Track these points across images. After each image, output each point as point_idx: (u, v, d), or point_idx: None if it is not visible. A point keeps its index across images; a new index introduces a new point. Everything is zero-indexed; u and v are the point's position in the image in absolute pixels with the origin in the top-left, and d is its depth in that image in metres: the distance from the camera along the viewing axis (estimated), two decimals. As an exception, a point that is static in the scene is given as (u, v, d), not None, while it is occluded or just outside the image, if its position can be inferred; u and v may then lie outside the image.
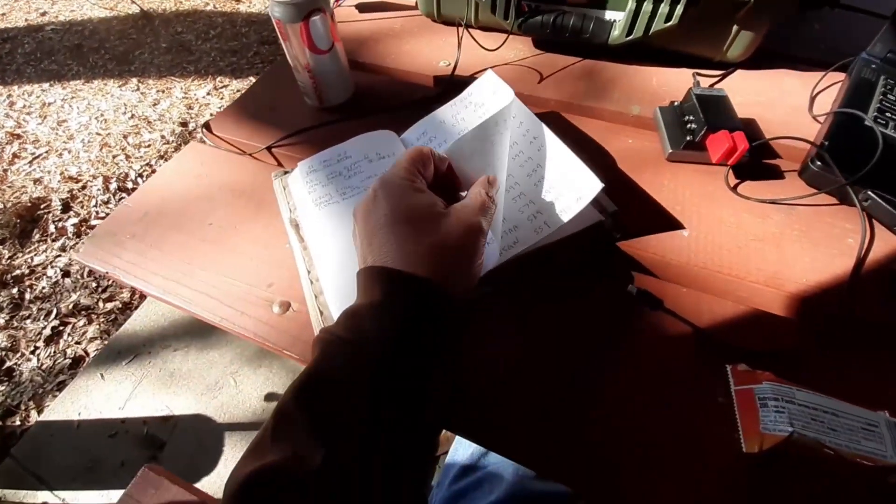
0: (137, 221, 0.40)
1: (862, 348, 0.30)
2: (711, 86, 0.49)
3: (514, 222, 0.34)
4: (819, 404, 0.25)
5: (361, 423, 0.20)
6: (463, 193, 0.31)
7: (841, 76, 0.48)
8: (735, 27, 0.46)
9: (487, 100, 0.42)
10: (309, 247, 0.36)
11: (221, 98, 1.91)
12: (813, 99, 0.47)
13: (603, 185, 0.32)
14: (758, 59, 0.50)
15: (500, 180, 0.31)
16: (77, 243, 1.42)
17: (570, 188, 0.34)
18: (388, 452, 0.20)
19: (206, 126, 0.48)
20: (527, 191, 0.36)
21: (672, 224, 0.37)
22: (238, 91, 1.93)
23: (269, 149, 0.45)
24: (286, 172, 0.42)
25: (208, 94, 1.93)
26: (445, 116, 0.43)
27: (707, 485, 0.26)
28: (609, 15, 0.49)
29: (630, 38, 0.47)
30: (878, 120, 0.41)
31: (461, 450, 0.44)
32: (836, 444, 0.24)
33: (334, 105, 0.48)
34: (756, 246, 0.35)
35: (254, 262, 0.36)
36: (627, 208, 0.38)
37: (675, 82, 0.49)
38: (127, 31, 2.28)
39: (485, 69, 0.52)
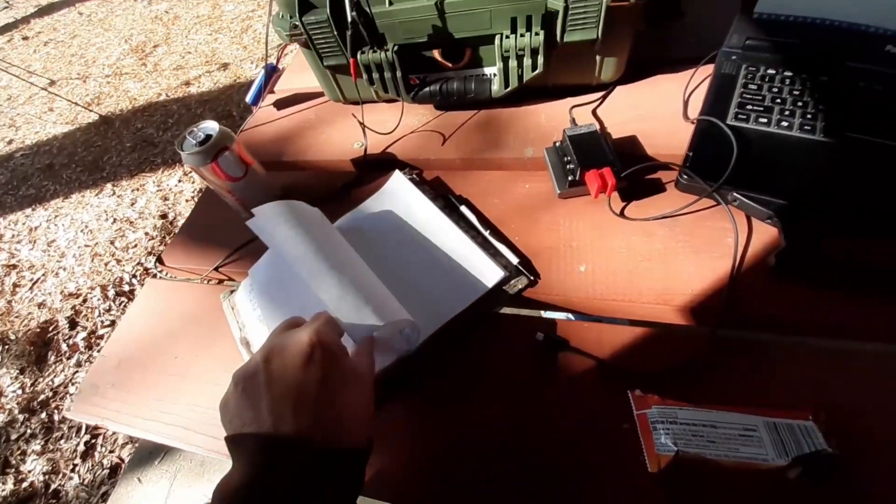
0: (114, 370, 0.45)
1: (750, 345, 0.34)
2: (594, 110, 0.53)
3: (427, 310, 0.39)
4: (698, 419, 0.29)
5: None
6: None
7: (711, 67, 0.51)
8: (598, 56, 0.50)
9: (396, 193, 0.48)
10: (260, 363, 0.40)
11: (193, 182, 1.98)
12: (686, 102, 0.50)
13: (505, 273, 0.36)
14: (635, 71, 0.54)
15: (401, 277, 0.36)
16: (90, 355, 1.49)
17: (475, 276, 0.40)
18: None
19: (160, 260, 0.53)
20: (434, 277, 0.41)
21: (570, 262, 0.41)
22: (206, 171, 2.00)
23: (216, 269, 0.50)
24: (232, 292, 0.47)
25: (179, 181, 2.00)
26: (362, 214, 0.49)
27: (622, 505, 0.29)
28: (487, 70, 0.53)
29: (509, 89, 0.52)
30: (740, 115, 0.45)
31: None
32: (716, 454, 0.28)
33: (266, 214, 0.53)
34: (645, 266, 0.39)
35: (218, 387, 0.40)
36: (532, 255, 0.42)
37: (561, 115, 0.53)
38: (91, 140, 2.38)
39: (394, 142, 0.57)
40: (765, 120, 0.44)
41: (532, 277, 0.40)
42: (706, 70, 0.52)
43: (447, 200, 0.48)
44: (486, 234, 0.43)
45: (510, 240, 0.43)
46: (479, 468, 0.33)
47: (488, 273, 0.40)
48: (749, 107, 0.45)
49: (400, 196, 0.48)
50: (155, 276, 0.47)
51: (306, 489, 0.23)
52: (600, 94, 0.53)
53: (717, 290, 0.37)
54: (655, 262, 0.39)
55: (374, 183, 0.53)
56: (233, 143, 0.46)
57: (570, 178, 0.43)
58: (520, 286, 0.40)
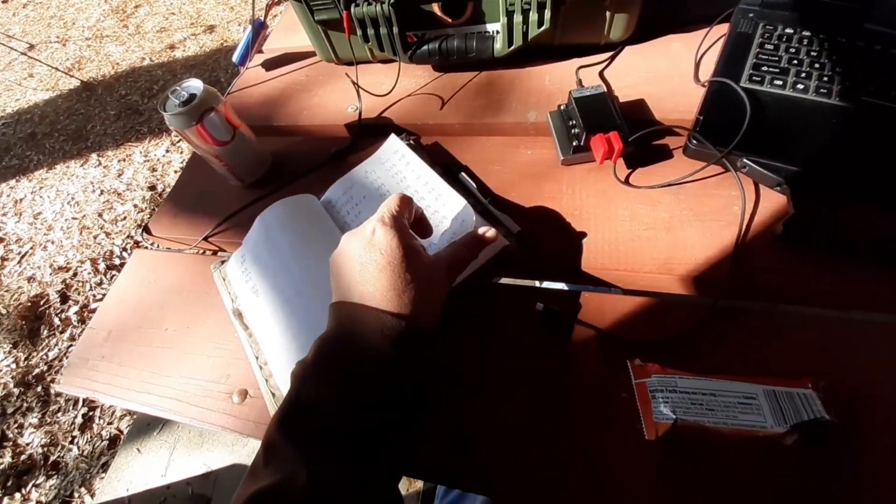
0: (104, 343, 0.44)
1: (753, 314, 0.33)
2: (601, 72, 0.50)
3: None
4: (698, 388, 0.29)
5: (336, 444, 0.25)
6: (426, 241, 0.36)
7: (726, 27, 0.49)
8: (608, 13, 0.47)
9: (390, 157, 0.45)
10: (254, 333, 0.39)
11: (181, 152, 1.92)
12: (698, 64, 0.48)
13: (505, 242, 0.36)
14: (645, 31, 0.51)
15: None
16: (83, 329, 1.48)
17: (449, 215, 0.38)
18: (362, 466, 0.25)
19: (146, 230, 0.51)
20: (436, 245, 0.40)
21: (572, 231, 0.39)
22: (195, 141, 1.94)
23: (205, 239, 0.49)
24: (223, 262, 0.45)
25: (167, 151, 1.94)
26: (360, 176, 0.46)
27: (621, 473, 0.29)
28: (490, 27, 0.50)
29: (512, 48, 0.49)
30: (754, 77, 0.43)
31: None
32: (714, 422, 0.28)
33: (255, 180, 0.51)
34: (649, 235, 0.38)
35: (210, 359, 0.40)
36: (533, 224, 0.41)
37: (566, 77, 0.51)
38: (74, 107, 2.28)
39: (390, 105, 0.54)
40: (780, 82, 0.42)
41: (533, 246, 0.39)
42: (720, 30, 0.49)
43: (446, 167, 0.46)
44: (486, 202, 0.42)
45: (511, 208, 0.42)
46: (476, 432, 0.32)
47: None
48: (764, 68, 0.43)
49: (395, 161, 0.46)
50: (142, 246, 0.45)
51: (379, 337, 0.27)
52: (608, 54, 0.51)
53: (721, 260, 0.36)
54: (660, 230, 0.38)
55: (369, 149, 0.50)
56: (219, 104, 0.44)
57: (574, 144, 0.41)
58: (520, 255, 0.38)
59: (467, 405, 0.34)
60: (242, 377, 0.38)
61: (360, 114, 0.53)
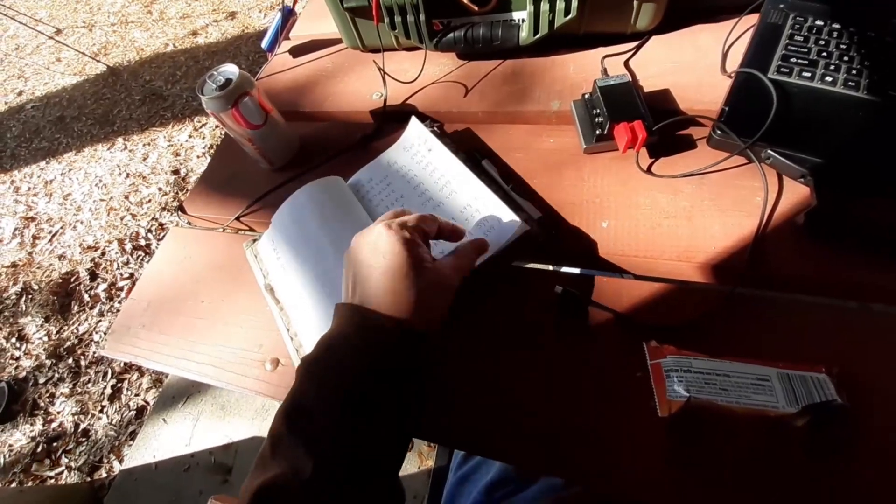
0: (144, 312, 0.47)
1: (769, 303, 0.34)
2: (626, 61, 0.50)
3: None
4: (712, 369, 0.30)
5: (335, 441, 0.26)
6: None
7: (756, 18, 0.48)
8: (635, 1, 0.47)
9: (413, 143, 0.46)
10: (285, 307, 0.42)
11: (203, 137, 1.97)
12: (725, 55, 0.48)
13: (519, 221, 0.36)
14: (671, 21, 0.51)
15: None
16: (111, 306, 1.54)
17: (496, 228, 0.39)
18: (365, 459, 0.26)
19: (181, 208, 0.54)
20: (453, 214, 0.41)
21: (592, 218, 0.40)
22: (216, 126, 1.98)
23: (237, 219, 0.51)
24: (255, 241, 0.48)
25: (190, 136, 1.99)
26: (384, 164, 0.48)
27: (634, 447, 0.31)
28: (516, 16, 0.51)
29: (538, 36, 0.49)
30: (783, 69, 0.43)
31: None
32: (727, 401, 0.29)
33: (284, 164, 0.53)
34: (669, 223, 0.39)
35: (243, 329, 0.42)
36: (552, 211, 0.42)
37: (591, 66, 0.51)
38: (100, 92, 2.34)
39: (414, 93, 0.55)
40: (808, 74, 0.42)
41: (554, 232, 0.40)
42: (748, 21, 0.49)
43: (469, 154, 0.47)
44: (508, 188, 0.43)
45: (532, 195, 0.43)
46: (497, 405, 0.34)
47: (510, 226, 0.40)
48: (793, 59, 0.43)
49: (418, 148, 0.47)
50: (179, 225, 0.47)
51: (374, 339, 0.29)
52: (634, 44, 0.51)
53: (741, 249, 0.36)
54: (680, 219, 0.39)
55: (394, 135, 0.51)
56: (253, 89, 0.45)
57: (597, 132, 0.42)
58: (541, 240, 0.40)
59: (483, 379, 0.35)
60: (274, 347, 0.41)
61: (384, 100, 0.54)
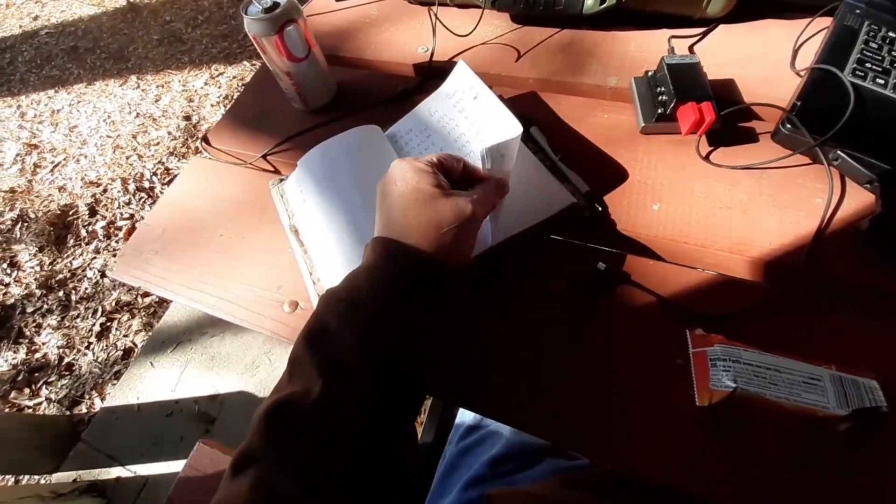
0: (157, 238, 0.44)
1: (824, 306, 0.33)
2: (691, 46, 0.48)
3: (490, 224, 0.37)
4: (763, 362, 0.28)
5: (352, 364, 0.25)
6: None
7: (828, 21, 0.46)
8: (713, -18, 0.45)
9: (458, 88, 0.43)
10: (309, 250, 0.40)
11: (219, 87, 1.91)
12: (796, 52, 0.46)
13: (573, 199, 0.34)
14: (742, 11, 0.48)
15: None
16: (108, 244, 1.51)
17: (540, 195, 0.37)
18: (375, 389, 0.26)
19: (205, 139, 0.51)
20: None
21: (643, 199, 0.39)
22: (234, 77, 1.93)
23: (264, 157, 0.48)
24: (282, 180, 0.45)
25: (206, 84, 1.93)
26: (424, 113, 0.45)
27: (667, 434, 0.30)
28: (582, -18, 0.48)
29: (604, 5, 0.47)
30: (857, 72, 0.41)
31: (467, 412, 0.49)
32: (776, 396, 0.27)
33: (320, 106, 0.50)
34: (723, 214, 0.37)
35: (263, 268, 0.40)
36: (602, 187, 0.40)
37: (654, 46, 0.49)
38: (118, 27, 2.27)
39: (463, 51, 0.53)
40: (882, 81, 0.40)
41: (601, 208, 0.38)
42: (820, 23, 0.47)
43: (517, 118, 0.45)
44: (556, 158, 0.41)
45: (581, 168, 0.41)
46: (530, 382, 0.33)
47: (557, 196, 0.38)
48: (868, 64, 0.41)
49: (462, 94, 0.43)
50: (201, 156, 0.45)
51: (391, 263, 0.28)
52: (700, 29, 0.48)
53: (797, 249, 0.35)
54: (735, 210, 0.37)
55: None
56: (300, 18, 0.43)
57: (659, 111, 0.40)
58: (587, 215, 0.38)
59: (516, 351, 0.34)
60: (294, 289, 0.39)
61: (431, 54, 0.51)
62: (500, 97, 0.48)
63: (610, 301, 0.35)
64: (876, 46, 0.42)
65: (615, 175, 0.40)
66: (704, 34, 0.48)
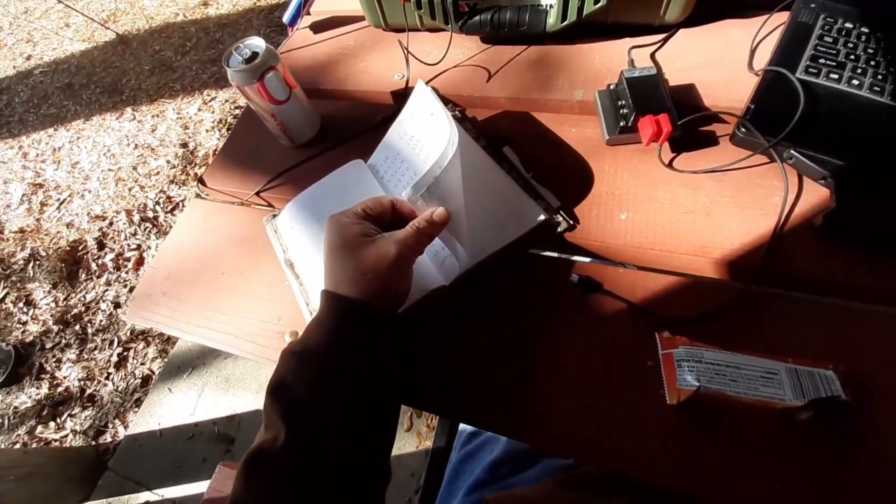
0: (164, 280, 0.47)
1: (782, 301, 0.35)
2: (652, 54, 0.50)
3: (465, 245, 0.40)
4: (723, 360, 0.31)
5: (310, 410, 0.28)
6: None
7: (786, 15, 0.48)
8: (666, -7, 0.47)
9: (417, 109, 0.45)
10: (304, 282, 0.43)
11: (212, 112, 1.95)
12: (753, 52, 0.47)
13: (546, 215, 0.36)
14: (701, 15, 0.50)
15: (455, 208, 0.36)
16: (118, 276, 1.56)
17: (514, 213, 0.39)
18: (337, 430, 0.28)
19: (201, 181, 0.54)
20: (473, 208, 0.41)
21: (611, 210, 0.41)
22: (226, 101, 1.97)
23: (257, 194, 0.51)
24: (275, 216, 0.48)
25: (199, 110, 1.97)
26: (395, 138, 0.48)
27: (641, 431, 0.32)
28: (544, 2, 0.50)
29: (565, 23, 0.49)
30: (811, 69, 0.42)
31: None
32: (736, 392, 0.30)
33: (305, 142, 0.53)
34: (687, 218, 0.39)
35: (263, 302, 0.43)
36: (573, 200, 0.42)
37: (616, 56, 0.51)
38: (109, 60, 2.32)
39: (436, 76, 0.55)
40: (836, 76, 0.42)
41: (572, 222, 0.41)
42: (778, 19, 0.48)
43: (491, 140, 0.47)
44: (528, 176, 0.43)
45: (552, 184, 0.43)
46: (507, 386, 0.35)
47: (529, 213, 0.40)
48: (822, 60, 0.43)
49: (422, 114, 0.44)
50: (200, 196, 0.48)
51: (329, 315, 0.31)
52: (661, 36, 0.50)
53: (757, 247, 0.37)
54: (698, 214, 0.39)
55: (416, 117, 0.52)
56: (278, 64, 0.45)
57: (621, 124, 0.42)
58: (559, 229, 0.40)
59: (494, 362, 0.36)
60: (293, 319, 0.42)
61: (406, 81, 0.54)
62: (473, 118, 0.51)
63: (584, 310, 0.37)
64: (831, 40, 0.44)
65: (585, 188, 0.43)
66: (664, 41, 0.50)
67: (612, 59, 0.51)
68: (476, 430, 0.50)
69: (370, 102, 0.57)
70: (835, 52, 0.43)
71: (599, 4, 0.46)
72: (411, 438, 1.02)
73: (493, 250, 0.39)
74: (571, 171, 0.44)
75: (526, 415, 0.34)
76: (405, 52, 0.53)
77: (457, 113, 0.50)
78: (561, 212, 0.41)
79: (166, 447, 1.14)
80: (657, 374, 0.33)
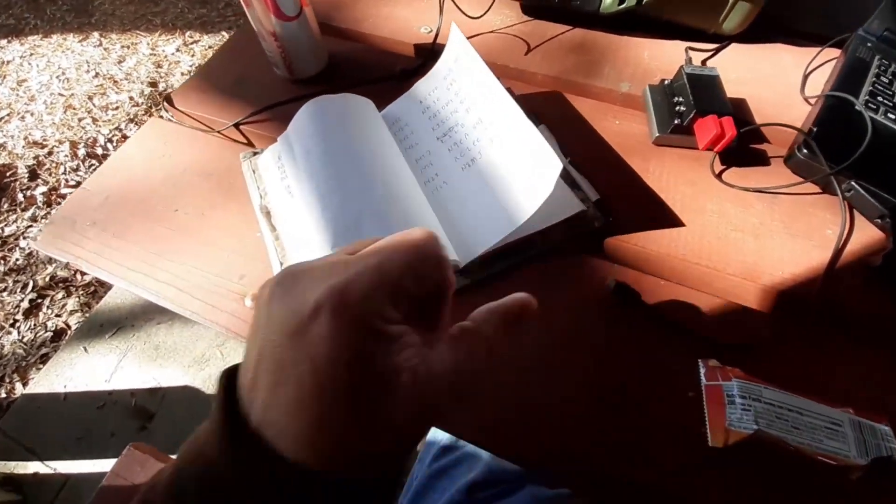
0: (98, 207, 0.37)
1: (834, 341, 0.31)
2: (704, 61, 0.46)
3: (481, 214, 0.34)
4: (785, 402, 0.26)
5: None
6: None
7: (836, 53, 0.46)
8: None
9: (453, 67, 0.40)
10: (281, 236, 0.34)
11: (192, 55, 1.78)
12: (806, 78, 0.45)
13: (561, 165, 0.30)
14: (753, 32, 0.47)
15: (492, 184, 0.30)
16: (47, 212, 1.36)
17: (532, 169, 0.33)
18: None
19: (168, 100, 0.45)
20: (488, 167, 0.35)
21: (656, 214, 0.36)
22: (210, 47, 1.80)
23: (236, 126, 0.43)
24: (255, 154, 0.40)
25: (178, 50, 1.80)
26: (422, 94, 0.41)
27: (672, 475, 0.27)
28: (602, -20, 0.45)
29: (623, 6, 0.44)
30: (870, 104, 0.40)
31: (440, 431, 0.45)
32: (798, 442, 0.25)
33: (307, 76, 0.45)
34: (736, 237, 0.35)
35: (224, 253, 0.35)
36: (612, 196, 0.37)
37: (667, 56, 0.47)
38: (84, -22, 2.08)
39: (470, 37, 0.49)
40: (893, 116, 0.40)
41: (611, 219, 0.35)
42: (829, 53, 0.46)
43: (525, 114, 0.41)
44: (566, 161, 0.38)
45: (591, 174, 0.38)
46: (521, 401, 0.29)
47: (565, 202, 0.35)
48: (880, 98, 0.40)
49: (463, 78, 0.39)
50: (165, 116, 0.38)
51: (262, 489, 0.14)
52: (713, 45, 0.47)
53: (809, 280, 0.33)
54: (747, 235, 0.35)
55: (441, 76, 0.45)
56: (294, -30, 0.37)
57: (676, 122, 0.38)
58: (596, 225, 0.35)
59: (508, 372, 0.30)
60: (259, 280, 0.33)
61: (436, 34, 0.47)
62: (509, 89, 0.45)
63: (617, 321, 0.32)
64: (887, 81, 0.42)
65: (627, 185, 0.38)
66: (717, 50, 0.47)
67: (662, 57, 0.47)
68: (451, 444, 0.43)
69: (388, 51, 0.49)
70: (891, 93, 0.41)
71: (665, -8, 0.42)
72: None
73: (517, 236, 0.33)
74: (612, 165, 0.39)
75: (525, 430, 0.28)
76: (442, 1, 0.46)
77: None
78: (599, 206, 0.35)
79: (70, 414, 0.98)
80: (698, 407, 0.28)
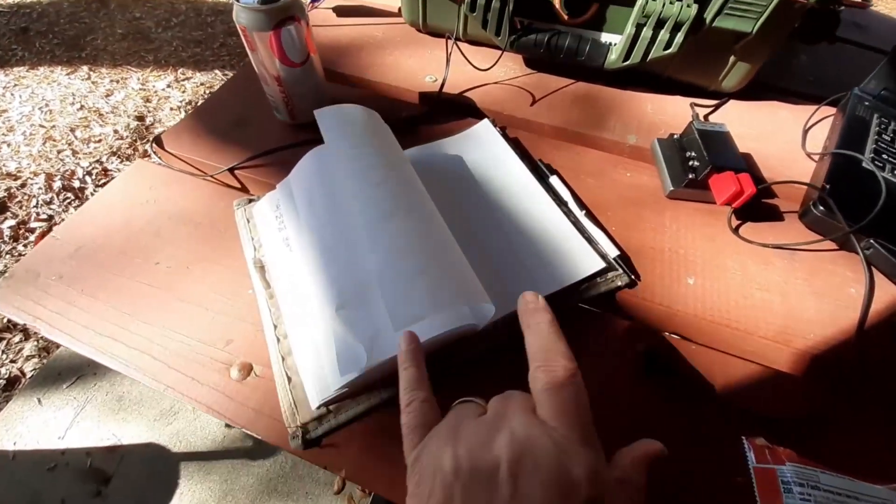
0: (67, 259, 0.33)
1: (876, 409, 0.29)
2: (706, 116, 0.47)
3: (507, 284, 0.31)
4: (842, 488, 0.23)
5: None
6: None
7: (831, 111, 0.48)
8: (732, 58, 0.45)
9: (476, 150, 0.39)
10: (276, 295, 0.31)
11: (183, 91, 1.78)
12: (805, 134, 0.46)
13: (603, 264, 0.29)
14: (750, 90, 0.49)
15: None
16: (13, 248, 1.28)
17: (568, 258, 0.32)
18: None
19: (157, 141, 0.42)
20: (520, 248, 0.33)
21: (676, 271, 0.34)
22: (202, 84, 1.81)
23: (231, 171, 0.40)
24: (251, 201, 0.37)
25: (168, 86, 1.79)
26: (444, 150, 0.40)
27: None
28: (605, 38, 0.46)
29: (627, 63, 0.45)
30: (876, 162, 0.40)
31: None
32: (864, 537, 0.22)
33: (309, 121, 0.43)
34: (762, 296, 0.33)
35: (209, 314, 0.31)
36: (628, 251, 0.35)
37: (670, 110, 0.47)
38: (79, 15, 2.10)
39: (474, 87, 0.49)
40: (898, 174, 0.40)
41: (632, 277, 0.33)
42: (825, 111, 0.48)
43: (535, 165, 0.40)
44: (582, 214, 0.36)
45: (606, 229, 0.36)
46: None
47: (585, 260, 0.33)
48: (885, 155, 0.41)
49: (487, 148, 0.40)
50: (151, 157, 0.35)
51: None
52: (712, 101, 0.48)
53: (840, 342, 0.31)
54: (774, 294, 0.33)
55: (448, 125, 0.44)
56: (303, 17, 0.36)
57: (690, 176, 0.37)
58: (618, 283, 0.33)
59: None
60: (249, 347, 0.29)
61: (442, 84, 0.47)
62: (516, 139, 0.44)
63: (648, 390, 0.29)
64: (889, 139, 0.43)
65: (644, 240, 0.36)
66: (717, 106, 0.48)
67: (666, 112, 0.47)
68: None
69: (392, 98, 0.48)
70: (894, 151, 0.42)
71: (668, 51, 0.43)
72: (340, 503, 0.85)
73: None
74: (627, 219, 0.38)
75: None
76: (450, 50, 0.46)
77: (498, 129, 0.42)
78: (619, 262, 0.34)
79: (17, 475, 0.87)
80: (748, 494, 0.25)
